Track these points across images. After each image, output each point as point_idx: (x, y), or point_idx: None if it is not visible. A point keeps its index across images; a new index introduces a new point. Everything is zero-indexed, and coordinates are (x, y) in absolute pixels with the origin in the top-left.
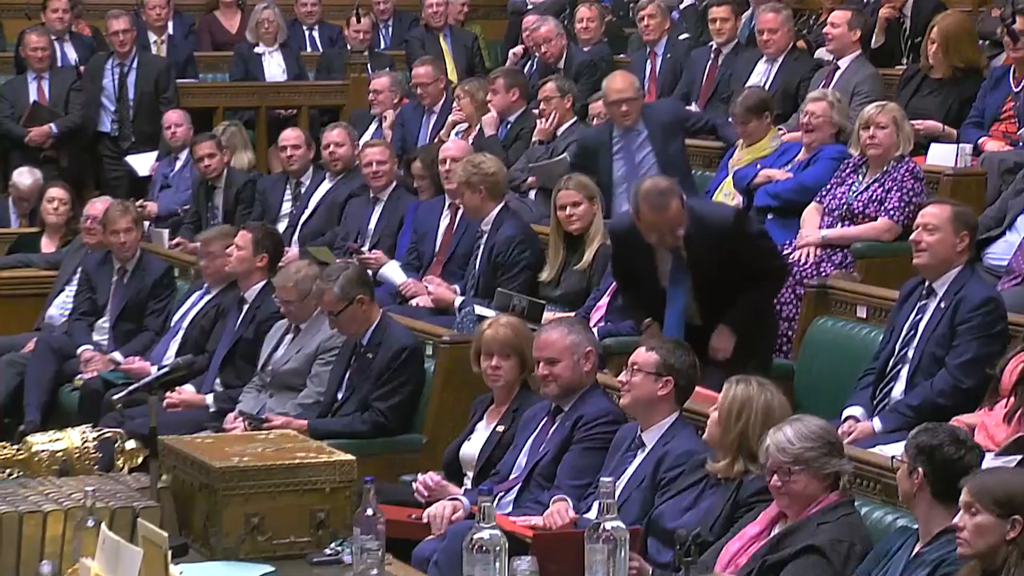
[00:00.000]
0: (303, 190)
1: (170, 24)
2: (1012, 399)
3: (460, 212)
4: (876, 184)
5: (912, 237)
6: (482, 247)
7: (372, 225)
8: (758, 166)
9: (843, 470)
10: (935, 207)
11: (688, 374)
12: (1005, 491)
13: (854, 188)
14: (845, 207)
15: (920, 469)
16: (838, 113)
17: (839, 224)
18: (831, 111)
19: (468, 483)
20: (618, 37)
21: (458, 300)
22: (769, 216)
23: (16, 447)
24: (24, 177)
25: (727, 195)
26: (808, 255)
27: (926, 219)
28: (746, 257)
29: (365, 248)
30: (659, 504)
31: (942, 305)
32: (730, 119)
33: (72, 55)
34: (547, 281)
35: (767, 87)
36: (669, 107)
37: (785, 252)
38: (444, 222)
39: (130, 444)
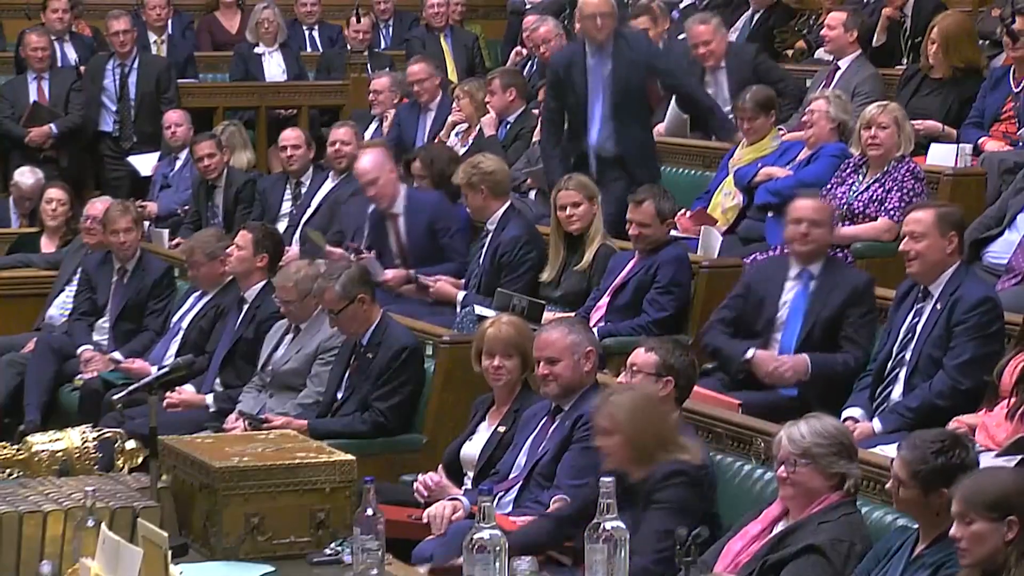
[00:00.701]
0: (303, 190)
1: (169, 24)
2: (1013, 398)
3: (400, 218)
4: (876, 184)
5: (901, 247)
6: (486, 246)
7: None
8: (759, 165)
9: (851, 473)
10: (918, 212)
11: (687, 374)
12: (996, 493)
13: (854, 188)
14: (845, 207)
15: (944, 491)
16: (836, 108)
17: (839, 224)
18: (828, 106)
19: (468, 483)
20: None
21: (461, 295)
22: (769, 214)
23: (16, 447)
24: (26, 177)
25: (727, 194)
26: None
27: (911, 227)
28: (851, 322)
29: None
30: None
31: (938, 307)
32: (733, 114)
33: (72, 55)
34: (547, 281)
35: (730, 94)
36: (644, 45)
37: (787, 251)
38: (391, 232)
39: (130, 444)
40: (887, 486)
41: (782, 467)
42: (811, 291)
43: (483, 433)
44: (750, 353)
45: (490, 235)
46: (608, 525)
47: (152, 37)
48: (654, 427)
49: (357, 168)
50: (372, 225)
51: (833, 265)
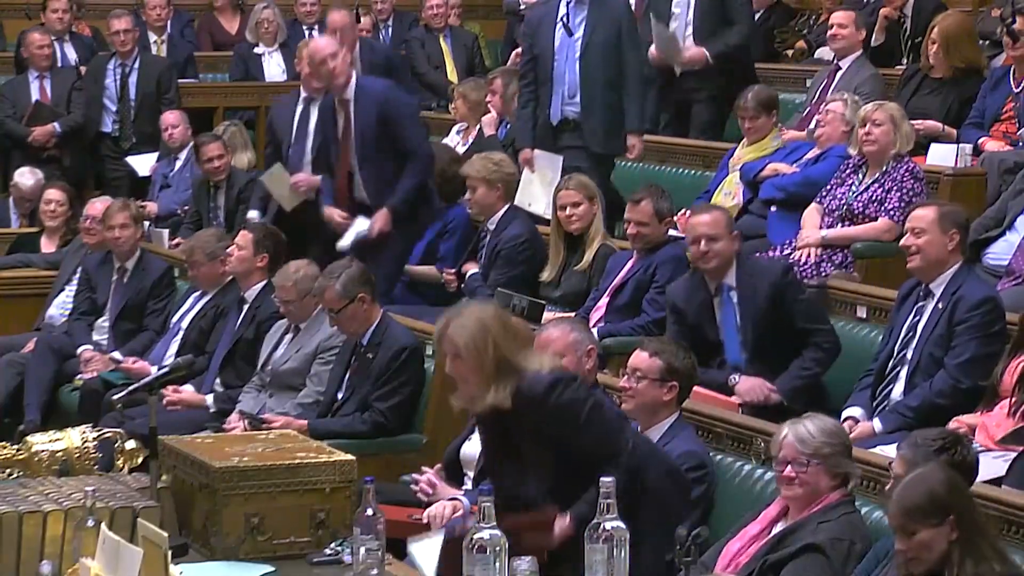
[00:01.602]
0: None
1: (169, 23)
2: (1014, 397)
3: (349, 104)
4: (876, 184)
5: (902, 243)
6: (486, 246)
7: None
8: (766, 162)
9: (853, 472)
10: (921, 209)
11: (689, 375)
12: (930, 498)
13: (854, 188)
14: (845, 207)
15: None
16: (851, 111)
17: (839, 224)
18: (844, 108)
19: (468, 483)
20: None
21: (473, 269)
22: (773, 208)
23: (16, 447)
24: (26, 178)
25: (727, 194)
26: (808, 255)
27: (913, 223)
28: (796, 312)
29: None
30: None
31: (940, 306)
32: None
33: (72, 55)
34: (547, 281)
35: (694, 10)
36: (624, 12)
37: (786, 252)
38: (340, 120)
39: (130, 444)
40: (887, 488)
41: (788, 467)
42: (736, 302)
43: None
44: (734, 380)
45: (489, 235)
46: (608, 525)
47: (152, 37)
48: (499, 342)
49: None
50: (321, 118)
51: (746, 268)
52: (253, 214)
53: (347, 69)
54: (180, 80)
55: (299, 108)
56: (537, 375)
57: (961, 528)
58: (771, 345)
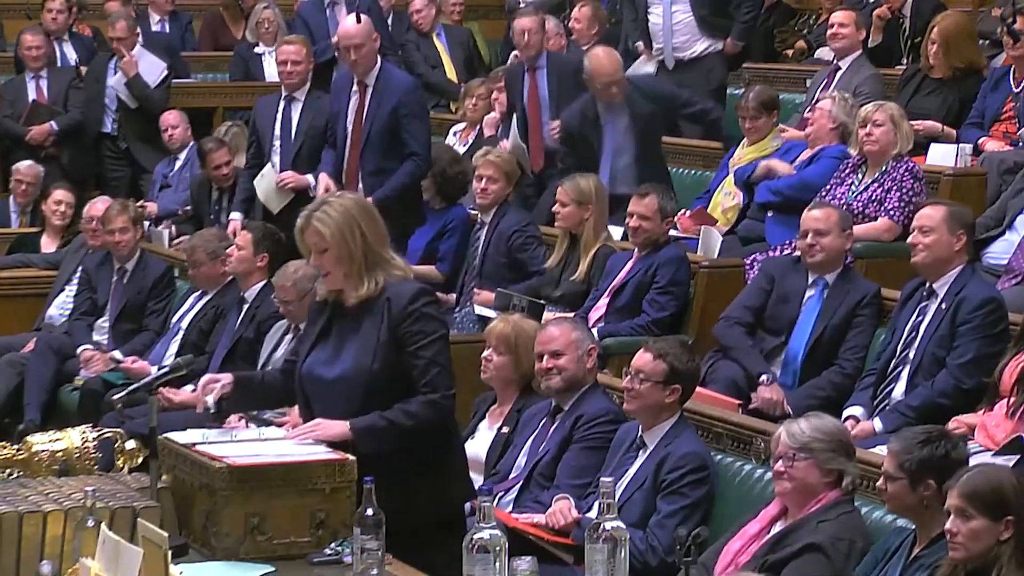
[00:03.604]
0: None
1: (167, 24)
2: (1013, 397)
3: (368, 89)
4: (875, 184)
5: (909, 240)
6: (482, 238)
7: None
8: (758, 164)
9: (848, 471)
10: (929, 208)
11: (693, 376)
12: (996, 493)
13: (853, 188)
14: (845, 207)
15: (931, 482)
16: (839, 108)
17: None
18: (832, 106)
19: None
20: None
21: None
22: (770, 213)
23: (16, 447)
24: (24, 164)
25: (727, 194)
26: None
27: (921, 221)
28: (855, 324)
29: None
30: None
31: (943, 306)
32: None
33: (72, 55)
34: (550, 268)
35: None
36: (657, 90)
37: (786, 252)
38: (354, 99)
39: (130, 444)
40: (878, 484)
41: (779, 462)
42: (825, 298)
43: (484, 433)
44: (764, 379)
45: (485, 228)
46: (608, 525)
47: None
48: (365, 240)
49: (344, 29)
50: (335, 94)
51: (848, 275)
52: (235, 215)
53: (374, 57)
54: (178, 80)
55: (280, 107)
56: (408, 281)
57: (1017, 533)
58: (827, 349)
